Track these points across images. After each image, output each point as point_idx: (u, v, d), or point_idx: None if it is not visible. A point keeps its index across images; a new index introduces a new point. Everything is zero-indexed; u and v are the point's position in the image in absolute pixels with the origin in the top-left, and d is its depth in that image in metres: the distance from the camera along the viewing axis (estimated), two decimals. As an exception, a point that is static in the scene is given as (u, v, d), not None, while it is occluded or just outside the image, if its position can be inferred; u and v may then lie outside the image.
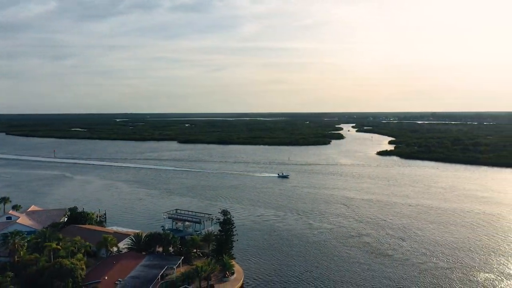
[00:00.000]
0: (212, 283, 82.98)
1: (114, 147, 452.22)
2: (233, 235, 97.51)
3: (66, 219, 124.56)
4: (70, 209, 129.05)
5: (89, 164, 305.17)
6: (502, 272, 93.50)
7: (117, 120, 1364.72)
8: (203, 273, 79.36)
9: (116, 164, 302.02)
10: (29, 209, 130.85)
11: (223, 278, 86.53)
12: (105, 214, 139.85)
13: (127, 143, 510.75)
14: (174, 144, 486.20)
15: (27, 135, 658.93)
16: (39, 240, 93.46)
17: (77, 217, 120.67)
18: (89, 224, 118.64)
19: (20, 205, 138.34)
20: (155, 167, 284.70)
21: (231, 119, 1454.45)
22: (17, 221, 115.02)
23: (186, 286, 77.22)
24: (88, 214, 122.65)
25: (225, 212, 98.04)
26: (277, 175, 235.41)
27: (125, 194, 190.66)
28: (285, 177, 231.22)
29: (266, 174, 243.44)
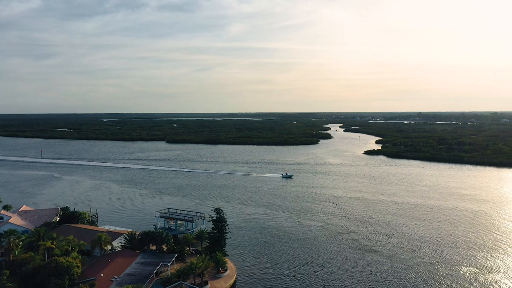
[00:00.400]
0: (206, 279, 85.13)
1: (102, 147, 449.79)
2: (226, 232, 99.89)
3: (58, 218, 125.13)
4: (62, 209, 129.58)
5: (78, 164, 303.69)
6: (484, 266, 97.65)
7: (104, 120, 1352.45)
8: (197, 269, 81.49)
9: (105, 164, 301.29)
10: (21, 209, 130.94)
11: (216, 275, 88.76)
12: (96, 213, 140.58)
13: (115, 143, 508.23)
14: (162, 144, 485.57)
15: (12, 136, 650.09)
16: (33, 239, 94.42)
17: (69, 216, 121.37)
18: (81, 223, 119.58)
19: (11, 205, 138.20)
20: (144, 167, 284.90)
21: (219, 119, 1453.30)
22: (9, 221, 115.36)
23: (182, 282, 79.25)
24: (80, 213, 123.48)
25: (218, 210, 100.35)
26: (281, 176, 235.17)
27: (116, 194, 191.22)
28: (289, 177, 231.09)
29: (270, 175, 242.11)
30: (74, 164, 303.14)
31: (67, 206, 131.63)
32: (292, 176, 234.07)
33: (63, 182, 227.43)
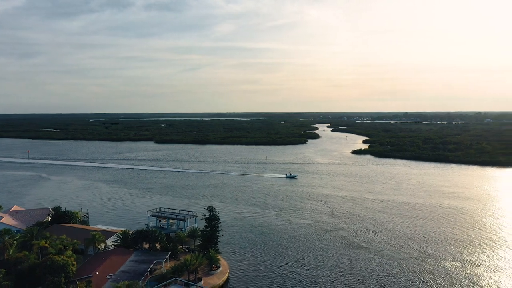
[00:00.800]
0: (199, 276, 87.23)
1: (90, 147, 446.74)
2: (219, 230, 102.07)
3: (50, 218, 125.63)
4: (54, 209, 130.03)
5: (65, 164, 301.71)
6: (467, 260, 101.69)
7: (90, 120, 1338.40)
8: (191, 266, 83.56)
9: (93, 164, 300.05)
10: (12, 209, 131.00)
11: (209, 271, 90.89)
12: (87, 213, 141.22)
13: (103, 143, 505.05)
14: (151, 144, 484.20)
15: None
16: (26, 238, 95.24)
17: (61, 216, 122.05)
18: (73, 223, 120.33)
19: (0, 206, 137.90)
20: (133, 167, 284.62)
21: (207, 119, 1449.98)
22: (1, 220, 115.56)
23: (177, 278, 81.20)
24: (72, 213, 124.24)
25: (210, 209, 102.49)
26: (284, 176, 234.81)
27: (106, 194, 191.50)
28: (294, 177, 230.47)
29: (274, 175, 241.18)
30: (62, 165, 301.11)
31: (58, 206, 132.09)
32: (296, 176, 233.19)
33: (52, 183, 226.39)
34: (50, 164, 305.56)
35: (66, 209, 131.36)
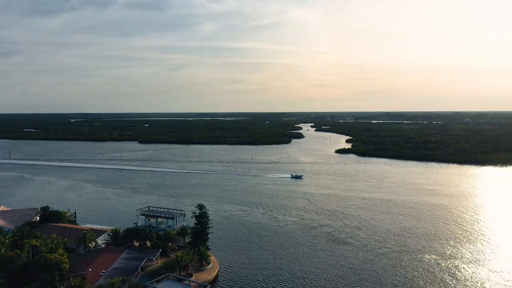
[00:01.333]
0: (190, 272, 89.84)
1: (72, 147, 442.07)
2: (209, 227, 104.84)
3: (38, 218, 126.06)
4: (42, 209, 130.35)
5: (49, 165, 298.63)
6: (444, 254, 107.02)
7: (72, 120, 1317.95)
8: (183, 262, 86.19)
9: (77, 164, 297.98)
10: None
11: (200, 268, 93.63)
12: (75, 213, 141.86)
13: (86, 143, 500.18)
14: (135, 144, 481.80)
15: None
16: (17, 238, 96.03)
17: (50, 216, 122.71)
18: (62, 222, 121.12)
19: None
20: (118, 167, 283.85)
21: (190, 119, 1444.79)
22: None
23: (169, 273, 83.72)
24: (61, 213, 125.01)
25: (200, 206, 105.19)
26: (290, 176, 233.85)
27: (91, 194, 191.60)
28: (299, 177, 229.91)
29: (279, 175, 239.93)
30: (45, 165, 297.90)
31: (47, 206, 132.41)
32: (302, 176, 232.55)
33: (36, 183, 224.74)
34: (32, 164, 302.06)
35: (54, 209, 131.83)
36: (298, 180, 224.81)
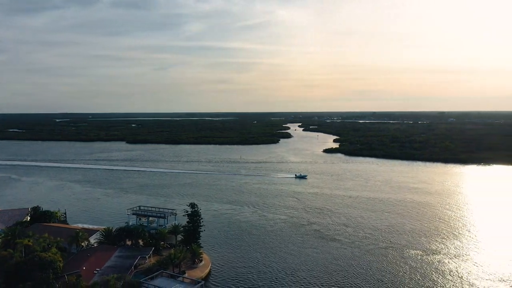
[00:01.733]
0: (183, 269, 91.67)
1: (59, 148, 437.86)
2: (201, 225, 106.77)
3: (29, 218, 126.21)
4: (33, 209, 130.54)
5: (35, 165, 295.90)
6: (428, 249, 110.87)
7: (57, 120, 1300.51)
8: (176, 259, 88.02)
9: (64, 165, 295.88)
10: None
11: (192, 265, 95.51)
12: (65, 213, 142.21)
13: (73, 143, 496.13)
14: (123, 145, 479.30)
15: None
16: (9, 237, 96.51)
17: (41, 216, 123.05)
18: (53, 222, 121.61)
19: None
20: (106, 167, 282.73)
21: (178, 119, 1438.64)
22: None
23: (163, 270, 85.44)
24: (52, 213, 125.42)
25: (192, 205, 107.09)
26: (294, 176, 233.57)
27: (80, 194, 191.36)
28: (303, 177, 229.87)
29: (284, 175, 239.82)
30: (32, 166, 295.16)
31: (37, 206, 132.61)
32: (306, 176, 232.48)
33: (23, 183, 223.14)
34: (19, 165, 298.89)
35: (44, 209, 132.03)
36: (287, 179, 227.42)
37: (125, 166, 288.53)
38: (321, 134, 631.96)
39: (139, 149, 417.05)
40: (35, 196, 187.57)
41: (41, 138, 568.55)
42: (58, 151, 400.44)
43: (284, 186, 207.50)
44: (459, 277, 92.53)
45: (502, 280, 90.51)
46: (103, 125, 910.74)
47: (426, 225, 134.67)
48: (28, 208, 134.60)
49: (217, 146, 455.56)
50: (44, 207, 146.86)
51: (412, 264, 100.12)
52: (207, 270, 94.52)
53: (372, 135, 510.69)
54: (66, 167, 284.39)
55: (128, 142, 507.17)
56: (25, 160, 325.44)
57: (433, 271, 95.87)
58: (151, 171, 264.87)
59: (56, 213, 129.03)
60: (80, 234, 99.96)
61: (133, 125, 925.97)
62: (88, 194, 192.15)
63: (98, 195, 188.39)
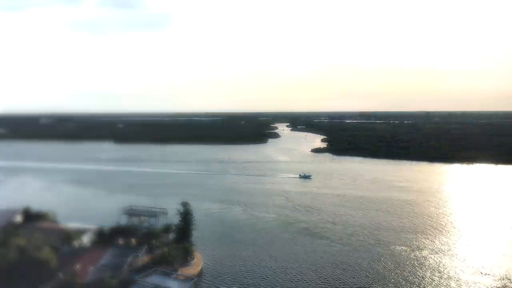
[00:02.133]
0: (176, 267, 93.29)
1: (43, 148, 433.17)
2: (193, 224, 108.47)
3: (20, 218, 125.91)
4: (23, 209, 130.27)
5: (18, 166, 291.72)
6: (414, 245, 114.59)
7: (42, 120, 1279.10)
8: (169, 257, 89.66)
9: (50, 165, 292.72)
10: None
11: (184, 263, 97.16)
12: (56, 213, 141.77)
13: (57, 144, 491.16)
14: (110, 145, 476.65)
15: None
16: (1, 237, 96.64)
17: (31, 216, 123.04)
18: (45, 222, 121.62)
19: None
20: (94, 167, 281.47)
21: (166, 118, 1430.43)
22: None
23: (157, 268, 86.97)
24: (43, 213, 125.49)
25: (185, 204, 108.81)
26: (298, 176, 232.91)
27: (69, 194, 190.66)
28: (308, 177, 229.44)
29: (288, 175, 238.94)
30: (15, 166, 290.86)
31: (28, 206, 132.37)
32: (310, 176, 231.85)
33: (8, 184, 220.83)
34: (2, 166, 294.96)
35: (34, 209, 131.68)
36: (287, 179, 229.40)
37: (113, 166, 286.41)
38: (309, 134, 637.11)
39: (126, 149, 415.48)
40: (22, 196, 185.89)
41: (25, 137, 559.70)
42: (42, 152, 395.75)
43: (274, 184, 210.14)
44: (443, 271, 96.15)
45: (484, 274, 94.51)
46: (89, 125, 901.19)
47: (411, 222, 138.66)
48: (19, 209, 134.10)
49: (205, 146, 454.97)
50: (34, 207, 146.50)
51: (398, 259, 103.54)
52: (199, 268, 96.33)
53: (359, 135, 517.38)
54: (52, 168, 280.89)
55: (116, 142, 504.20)
56: (9, 160, 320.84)
57: (418, 265, 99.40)
58: (139, 171, 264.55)
59: (47, 213, 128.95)
60: (73, 233, 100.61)
61: (120, 125, 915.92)
62: (76, 194, 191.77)
63: (86, 195, 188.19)
